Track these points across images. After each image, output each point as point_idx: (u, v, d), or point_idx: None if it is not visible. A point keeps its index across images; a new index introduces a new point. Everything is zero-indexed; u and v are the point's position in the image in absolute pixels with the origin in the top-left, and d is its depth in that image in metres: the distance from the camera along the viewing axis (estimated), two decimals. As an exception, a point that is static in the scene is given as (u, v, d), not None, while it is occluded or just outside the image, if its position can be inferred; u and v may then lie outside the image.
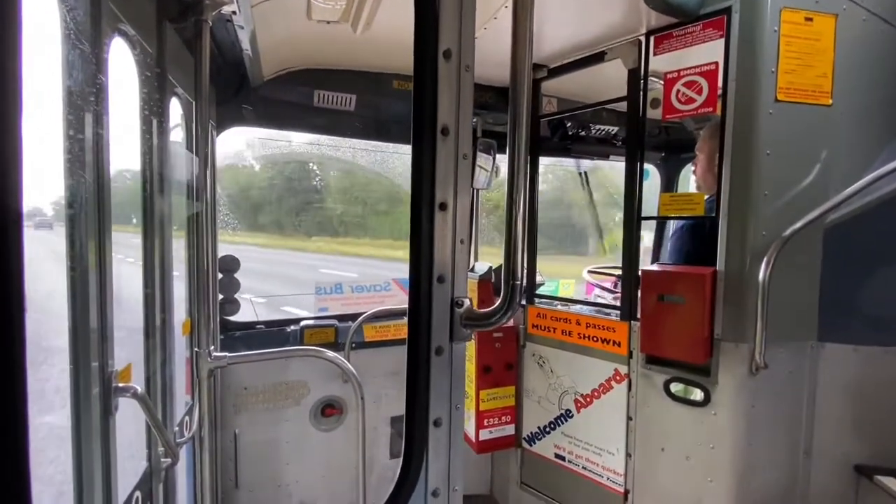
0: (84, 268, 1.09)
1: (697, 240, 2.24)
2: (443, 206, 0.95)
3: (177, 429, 1.83)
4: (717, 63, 1.93)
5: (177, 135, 2.04)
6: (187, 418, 1.97)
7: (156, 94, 1.60)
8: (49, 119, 1.08)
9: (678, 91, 2.05)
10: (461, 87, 0.97)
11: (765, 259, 1.80)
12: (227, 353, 1.86)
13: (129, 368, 1.33)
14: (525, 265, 2.73)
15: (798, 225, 1.80)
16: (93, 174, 1.13)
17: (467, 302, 0.98)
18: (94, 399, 1.12)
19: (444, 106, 0.95)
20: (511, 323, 2.78)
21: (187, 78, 1.84)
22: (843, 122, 1.91)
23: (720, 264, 1.94)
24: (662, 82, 2.12)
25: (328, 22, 2.05)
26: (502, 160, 3.19)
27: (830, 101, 1.90)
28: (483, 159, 3.03)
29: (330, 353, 2.04)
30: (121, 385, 1.21)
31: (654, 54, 2.16)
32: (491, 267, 2.88)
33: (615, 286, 3.16)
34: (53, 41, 1.03)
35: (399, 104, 2.78)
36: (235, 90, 2.58)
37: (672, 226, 2.65)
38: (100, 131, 1.15)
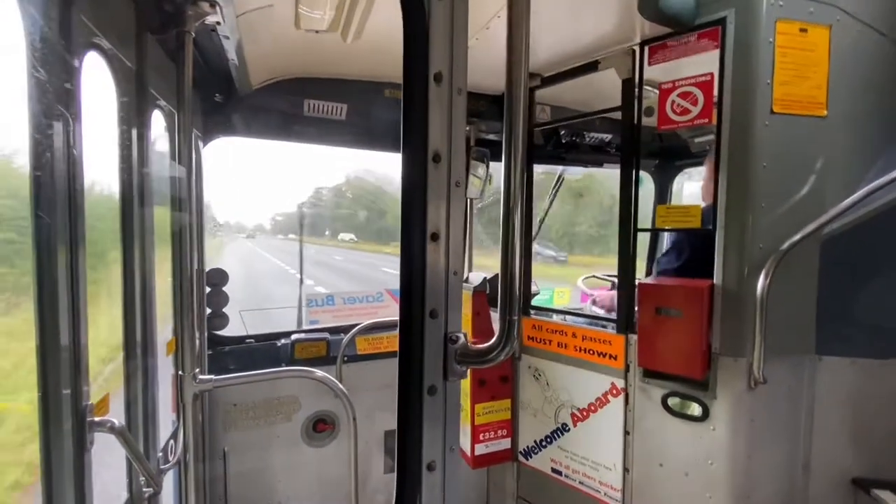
0: (54, 294, 1.03)
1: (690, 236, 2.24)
2: (434, 237, 0.90)
3: (160, 455, 1.76)
4: (712, 74, 1.91)
5: (163, 146, 1.98)
6: (172, 442, 1.90)
7: (136, 107, 1.54)
8: (18, 134, 1.02)
9: (673, 102, 2.03)
10: (453, 112, 0.91)
11: (762, 272, 1.77)
12: (212, 377, 1.79)
13: (107, 399, 1.27)
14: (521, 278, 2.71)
15: (796, 238, 1.78)
16: (65, 189, 1.07)
17: (462, 337, 0.92)
18: (66, 435, 1.06)
19: (436, 131, 0.90)
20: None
21: (170, 89, 1.78)
22: (839, 134, 1.90)
23: (717, 277, 1.91)
24: (657, 92, 2.10)
25: (317, 31, 2.00)
26: (495, 168, 3.16)
27: (825, 113, 1.88)
28: (476, 168, 2.99)
29: (319, 373, 1.98)
30: (97, 419, 1.14)
31: (649, 64, 2.13)
32: (486, 278, 2.84)
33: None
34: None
35: (391, 113, 2.74)
36: (222, 100, 2.51)
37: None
38: (72, 146, 1.09)
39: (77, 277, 1.08)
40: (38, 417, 1.04)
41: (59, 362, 1.05)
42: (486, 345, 0.93)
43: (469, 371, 2.83)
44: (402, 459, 0.91)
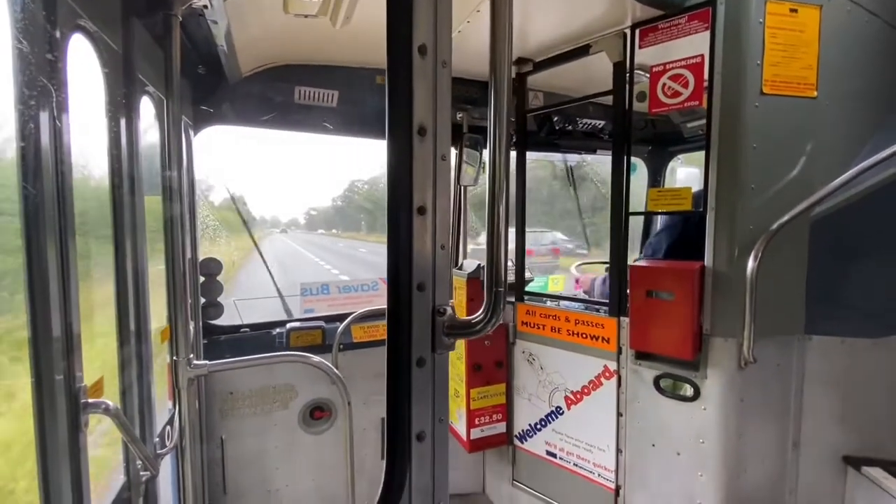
0: (44, 274, 1.03)
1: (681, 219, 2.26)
2: (421, 211, 0.91)
3: (157, 440, 1.77)
4: (702, 56, 1.91)
5: (154, 135, 1.97)
6: (168, 428, 1.91)
7: (123, 93, 1.53)
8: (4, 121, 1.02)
9: (664, 84, 2.03)
10: (438, 85, 0.92)
11: (752, 253, 1.79)
12: (207, 361, 1.80)
13: (101, 381, 1.28)
14: (512, 264, 2.72)
15: (785, 218, 1.79)
16: (53, 176, 1.07)
17: (449, 310, 0.94)
18: (60, 416, 1.07)
19: (421, 104, 0.90)
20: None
21: (158, 76, 1.77)
22: (829, 115, 1.91)
23: (708, 259, 1.93)
24: (648, 75, 2.10)
25: (306, 16, 1.98)
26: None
27: (815, 94, 1.89)
28: (470, 155, 2.99)
29: (315, 358, 1.99)
30: (91, 400, 1.15)
31: (640, 47, 2.13)
32: (480, 264, 2.85)
33: (604, 282, 3.16)
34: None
35: (381, 100, 2.71)
36: (212, 88, 2.50)
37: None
38: (59, 133, 1.09)
39: (67, 258, 1.08)
40: (32, 398, 1.05)
41: (52, 344, 1.05)
42: (472, 317, 0.95)
43: (465, 357, 2.85)
44: (392, 430, 0.93)
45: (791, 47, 1.85)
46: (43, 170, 1.02)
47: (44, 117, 1.02)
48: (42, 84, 1.01)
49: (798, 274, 1.92)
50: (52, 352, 1.04)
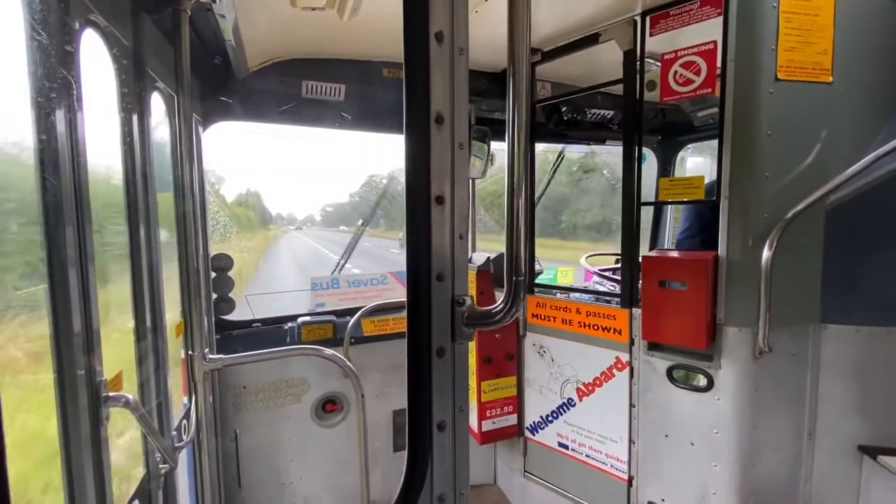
0: (64, 270, 1.04)
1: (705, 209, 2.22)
2: (439, 200, 0.91)
3: (174, 433, 1.80)
4: (715, 42, 1.88)
5: (163, 131, 1.97)
6: (185, 422, 1.94)
7: (135, 89, 1.54)
8: (20, 118, 1.02)
9: (676, 72, 2.00)
10: (455, 72, 0.91)
11: (767, 242, 1.77)
12: (221, 356, 1.82)
13: (121, 375, 1.29)
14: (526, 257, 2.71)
15: (800, 206, 1.77)
16: (69, 172, 1.07)
17: (468, 300, 0.94)
18: (82, 410, 1.08)
19: (438, 92, 0.90)
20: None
21: (168, 71, 1.77)
22: (844, 100, 1.88)
23: (721, 248, 1.91)
24: (659, 63, 2.07)
25: (313, 9, 1.97)
26: (496, 148, 3.14)
27: (831, 79, 1.86)
28: (478, 148, 2.98)
29: (328, 351, 2.00)
30: (111, 394, 1.17)
31: (651, 35, 2.10)
32: (489, 257, 2.85)
33: (613, 272, 3.14)
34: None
35: (389, 93, 2.71)
36: (220, 83, 2.50)
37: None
38: (74, 128, 1.09)
39: (85, 253, 1.09)
40: (55, 393, 1.07)
41: (73, 339, 1.06)
42: (492, 307, 0.95)
43: (475, 350, 2.85)
44: (413, 419, 0.94)
45: (806, 32, 1.82)
46: (61, 165, 1.03)
47: (60, 112, 1.02)
48: (61, 77, 1.02)
49: (813, 262, 1.90)
50: (74, 347, 1.06)
